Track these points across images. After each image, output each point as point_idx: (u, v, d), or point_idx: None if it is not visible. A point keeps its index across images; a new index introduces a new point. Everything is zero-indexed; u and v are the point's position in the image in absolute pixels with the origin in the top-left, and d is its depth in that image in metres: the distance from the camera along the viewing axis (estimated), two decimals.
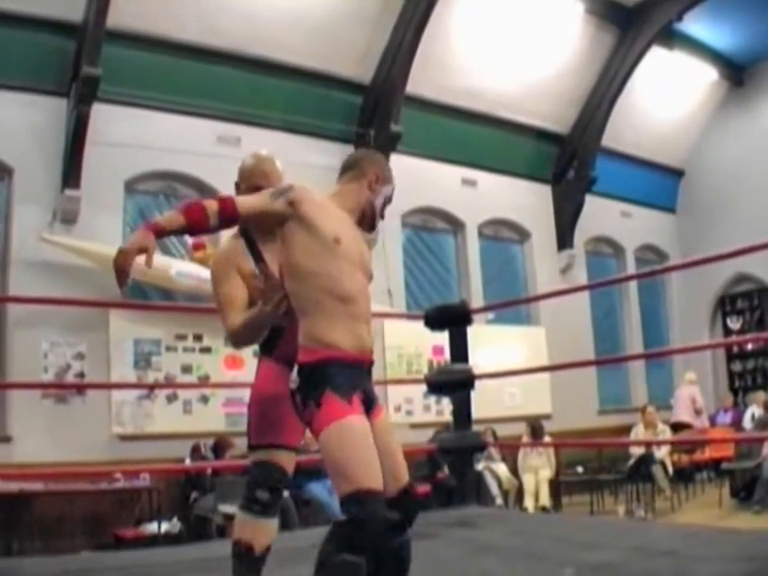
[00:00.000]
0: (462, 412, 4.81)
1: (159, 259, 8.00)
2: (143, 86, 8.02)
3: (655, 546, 3.63)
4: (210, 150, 8.45)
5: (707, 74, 12.44)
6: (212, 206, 2.26)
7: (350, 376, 2.26)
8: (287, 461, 2.73)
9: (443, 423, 8.95)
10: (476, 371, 5.04)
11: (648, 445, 9.12)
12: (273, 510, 2.69)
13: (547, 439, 9.35)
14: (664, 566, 3.18)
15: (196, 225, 2.28)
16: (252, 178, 2.87)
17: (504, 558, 1.87)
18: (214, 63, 8.52)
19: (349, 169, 2.57)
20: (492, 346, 9.83)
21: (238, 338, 2.66)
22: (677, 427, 10.32)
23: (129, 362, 7.82)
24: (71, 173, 7.57)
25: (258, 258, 2.80)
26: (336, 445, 2.13)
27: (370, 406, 2.31)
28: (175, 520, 7.26)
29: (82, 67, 7.33)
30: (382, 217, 2.61)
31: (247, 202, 2.34)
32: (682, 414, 10.96)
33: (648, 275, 12.37)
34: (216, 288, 2.80)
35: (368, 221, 2.55)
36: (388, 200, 2.61)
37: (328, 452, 2.14)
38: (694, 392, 11.17)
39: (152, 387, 7.95)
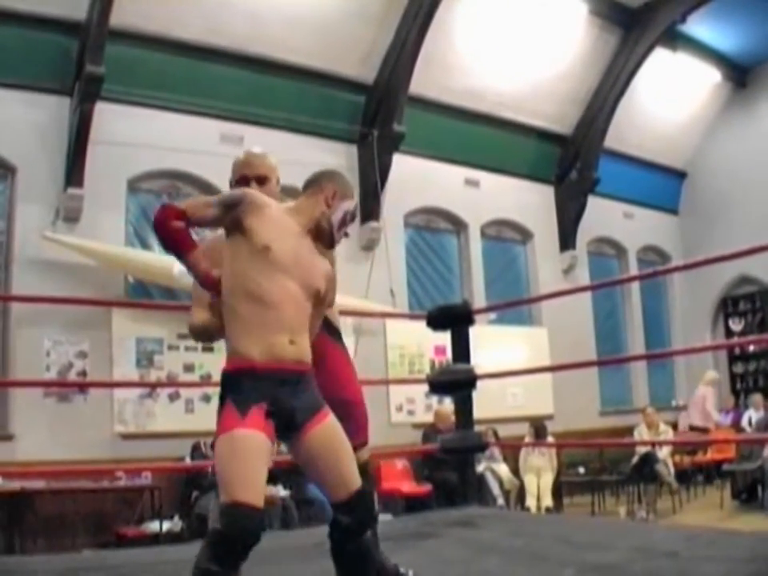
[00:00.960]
0: (464, 412, 4.81)
1: (161, 258, 8.02)
2: (146, 84, 8.01)
3: (657, 547, 3.62)
4: (212, 149, 8.43)
5: (710, 76, 12.41)
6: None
7: (254, 388, 2.25)
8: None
9: (429, 424, 8.99)
10: (478, 371, 5.04)
11: (651, 445, 9.11)
12: None
13: (550, 440, 9.35)
14: (666, 566, 3.18)
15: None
16: (236, 170, 3.01)
17: (505, 558, 1.87)
18: (217, 62, 8.52)
19: (308, 185, 2.60)
20: (494, 346, 9.82)
21: (195, 335, 2.91)
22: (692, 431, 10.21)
23: (131, 360, 7.83)
24: (74, 171, 7.58)
25: None
26: (220, 455, 2.19)
27: (290, 418, 2.28)
28: (177, 519, 7.26)
29: (86, 66, 7.34)
30: (345, 234, 2.61)
31: (197, 211, 2.42)
32: (695, 417, 10.89)
33: (650, 276, 12.36)
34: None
35: (326, 236, 2.53)
36: (350, 216, 2.60)
37: (216, 461, 2.21)
38: (708, 393, 11.08)
39: (154, 386, 7.96)
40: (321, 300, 2.49)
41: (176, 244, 2.40)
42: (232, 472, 2.13)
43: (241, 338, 2.31)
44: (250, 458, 2.15)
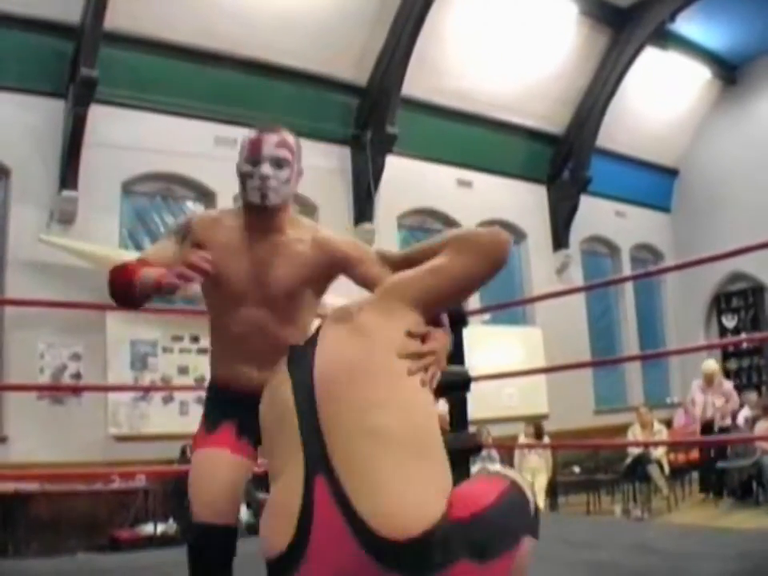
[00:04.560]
0: (458, 414, 4.81)
1: None
2: (141, 87, 8.03)
3: (651, 545, 3.64)
4: (207, 151, 8.47)
5: (700, 74, 12.49)
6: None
7: (224, 405, 2.26)
8: None
9: None
10: (473, 372, 5.03)
11: (645, 446, 9.14)
12: None
13: (546, 440, 9.37)
14: (660, 564, 3.21)
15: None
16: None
17: None
18: (211, 65, 8.53)
19: None
20: (489, 346, 9.85)
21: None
22: (705, 428, 9.78)
23: (125, 362, 7.84)
24: (69, 174, 7.60)
25: None
26: (191, 470, 2.20)
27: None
28: (171, 521, 7.26)
29: (80, 69, 7.36)
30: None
31: (156, 256, 2.25)
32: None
33: (644, 276, 12.44)
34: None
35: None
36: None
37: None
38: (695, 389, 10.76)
39: (148, 390, 7.96)
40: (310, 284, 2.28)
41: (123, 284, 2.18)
42: (192, 491, 2.14)
43: (214, 360, 2.35)
44: (206, 477, 2.13)
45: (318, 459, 1.62)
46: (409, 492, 1.52)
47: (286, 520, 1.59)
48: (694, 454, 10.56)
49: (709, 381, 9.63)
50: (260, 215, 2.26)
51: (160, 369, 8.01)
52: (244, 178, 2.23)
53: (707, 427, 9.42)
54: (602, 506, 9.33)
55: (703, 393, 9.60)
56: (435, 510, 1.49)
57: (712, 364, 9.84)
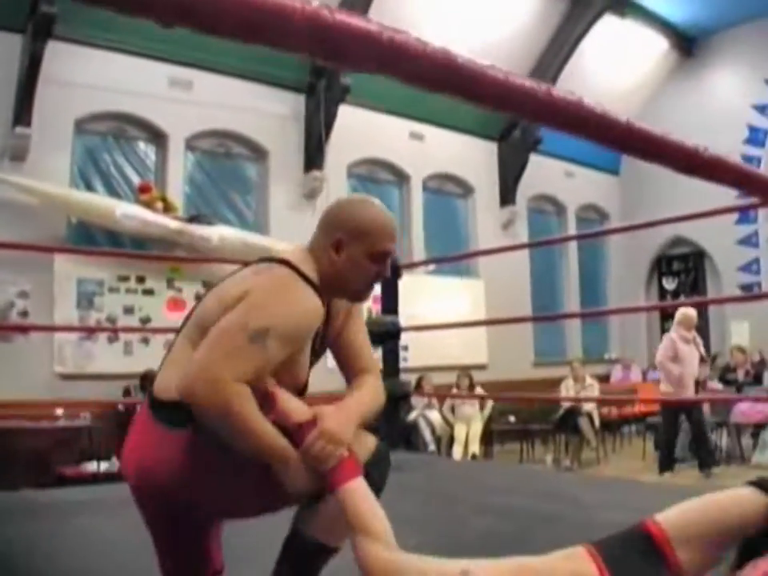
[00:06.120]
0: (391, 362, 5.01)
1: (104, 200, 8.04)
2: (98, 26, 7.88)
3: (563, 493, 3.86)
4: (161, 92, 8.47)
5: (658, 44, 12.72)
6: None
7: None
8: None
9: None
10: (416, 321, 5.22)
11: (576, 400, 9.46)
12: None
13: (478, 390, 9.60)
14: (568, 511, 3.40)
15: None
16: (379, 235, 1.93)
17: (420, 500, 2.03)
18: None
19: None
20: (432, 296, 10.11)
21: (226, 402, 1.65)
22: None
23: (72, 301, 7.90)
24: (23, 111, 7.53)
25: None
26: None
27: None
28: (114, 459, 7.38)
29: (39, 5, 7.27)
30: None
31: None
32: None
33: (588, 236, 12.73)
34: (251, 316, 1.73)
35: None
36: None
37: None
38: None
39: (94, 330, 8.03)
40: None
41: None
42: None
43: None
44: None
45: None
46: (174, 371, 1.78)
47: None
48: (629, 410, 10.99)
49: (689, 328, 8.21)
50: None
51: (106, 308, 8.08)
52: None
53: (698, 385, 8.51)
54: (535, 455, 9.69)
55: (687, 344, 8.14)
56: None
57: (692, 311, 8.40)
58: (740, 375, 9.68)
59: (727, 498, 1.61)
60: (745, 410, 8.75)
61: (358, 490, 1.69)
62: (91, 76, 8.00)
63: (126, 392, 7.60)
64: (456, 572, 1.44)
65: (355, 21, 0.72)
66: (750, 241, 12.42)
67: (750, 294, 12.01)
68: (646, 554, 1.49)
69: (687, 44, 13.05)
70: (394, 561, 1.55)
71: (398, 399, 4.79)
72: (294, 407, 1.77)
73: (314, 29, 0.71)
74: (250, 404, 1.66)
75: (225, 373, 1.64)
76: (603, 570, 1.44)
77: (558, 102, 0.84)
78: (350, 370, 2.05)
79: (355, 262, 1.88)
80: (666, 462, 7.96)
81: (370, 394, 1.97)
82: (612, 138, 0.96)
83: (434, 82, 0.77)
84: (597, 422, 9.48)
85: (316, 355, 1.98)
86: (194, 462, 1.75)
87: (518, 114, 0.86)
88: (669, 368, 7.96)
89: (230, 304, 1.75)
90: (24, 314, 7.56)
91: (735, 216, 11.85)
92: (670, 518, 1.58)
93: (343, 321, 2.04)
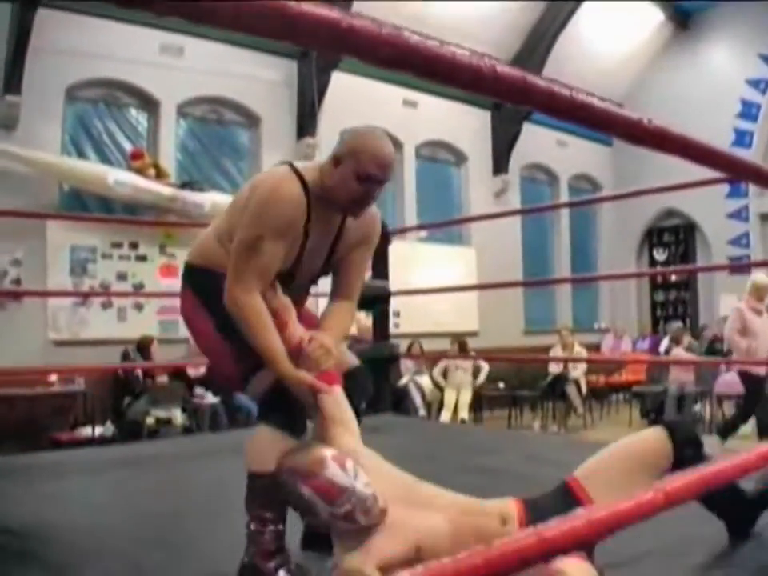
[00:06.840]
0: (380, 326, 5.11)
1: (96, 167, 8.07)
2: None
3: (547, 456, 3.95)
4: (152, 59, 8.46)
5: (654, 15, 12.69)
6: None
7: None
8: None
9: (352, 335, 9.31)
10: (408, 287, 5.29)
11: (564, 364, 9.60)
12: None
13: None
14: (548, 472, 3.48)
15: None
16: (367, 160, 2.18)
17: (402, 459, 2.09)
18: None
19: None
20: (425, 263, 10.20)
21: (239, 312, 2.14)
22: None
23: (65, 268, 7.95)
24: (12, 78, 7.52)
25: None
26: None
27: None
28: (108, 424, 7.49)
29: None
30: None
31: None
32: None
33: (579, 204, 12.78)
34: (245, 231, 2.16)
35: None
36: None
37: None
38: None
39: (87, 295, 8.09)
40: None
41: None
42: None
43: None
44: None
45: None
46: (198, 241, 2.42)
47: None
48: (617, 378, 11.14)
49: (761, 299, 7.23)
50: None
51: (99, 275, 8.14)
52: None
53: None
54: (523, 421, 9.84)
55: (758, 315, 7.20)
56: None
57: (764, 278, 7.24)
58: (726, 346, 9.77)
59: (634, 441, 2.09)
60: (728, 380, 8.82)
61: (334, 392, 2.16)
62: (82, 43, 7.97)
63: (125, 356, 7.69)
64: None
65: (318, 10, 0.79)
66: (740, 215, 12.46)
67: (738, 263, 12.07)
68: (563, 501, 1.91)
69: (683, 17, 13.01)
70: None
71: (387, 361, 4.88)
72: (299, 329, 2.23)
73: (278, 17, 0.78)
74: (257, 315, 2.12)
75: (236, 290, 2.12)
76: (522, 509, 1.93)
77: (502, 77, 0.92)
78: (337, 288, 2.45)
79: (344, 178, 2.16)
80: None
81: (348, 320, 2.45)
82: (557, 109, 1.05)
83: (389, 62, 0.85)
84: (584, 390, 9.62)
85: (328, 263, 2.38)
86: (192, 312, 2.35)
87: (466, 90, 0.95)
88: (736, 341, 7.22)
89: (240, 198, 2.26)
90: (17, 281, 7.61)
91: (726, 190, 11.91)
92: (585, 468, 2.05)
93: (355, 245, 2.39)
